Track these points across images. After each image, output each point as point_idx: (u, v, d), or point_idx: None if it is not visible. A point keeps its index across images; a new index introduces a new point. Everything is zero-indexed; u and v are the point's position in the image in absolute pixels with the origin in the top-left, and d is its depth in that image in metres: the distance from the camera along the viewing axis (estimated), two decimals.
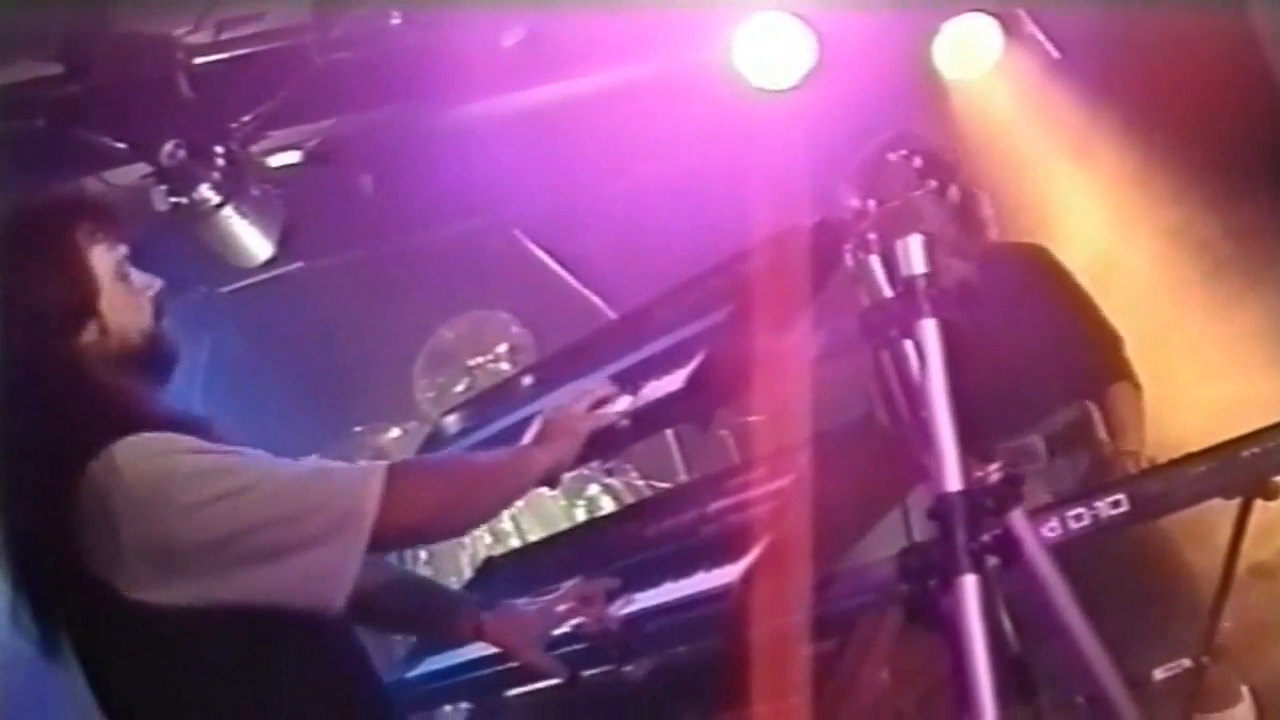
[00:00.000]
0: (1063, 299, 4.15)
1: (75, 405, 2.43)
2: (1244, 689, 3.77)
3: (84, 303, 2.50)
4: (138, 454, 2.36)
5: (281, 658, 2.45)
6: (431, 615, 3.06)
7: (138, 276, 2.60)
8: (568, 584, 2.98)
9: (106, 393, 2.46)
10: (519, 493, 2.76)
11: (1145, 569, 3.68)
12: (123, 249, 2.58)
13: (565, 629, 2.93)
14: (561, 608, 2.93)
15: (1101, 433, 4.12)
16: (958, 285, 4.02)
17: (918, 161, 4.04)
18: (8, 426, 2.46)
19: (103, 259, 2.54)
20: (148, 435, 2.39)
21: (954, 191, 4.08)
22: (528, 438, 2.77)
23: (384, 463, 2.53)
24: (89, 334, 2.50)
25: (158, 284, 2.62)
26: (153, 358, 2.58)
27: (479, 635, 2.99)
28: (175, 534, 2.34)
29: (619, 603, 2.90)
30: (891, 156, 4.07)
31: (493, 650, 3.01)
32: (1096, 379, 4.12)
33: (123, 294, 2.55)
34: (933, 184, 4.04)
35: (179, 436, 2.42)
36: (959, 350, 3.83)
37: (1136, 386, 4.13)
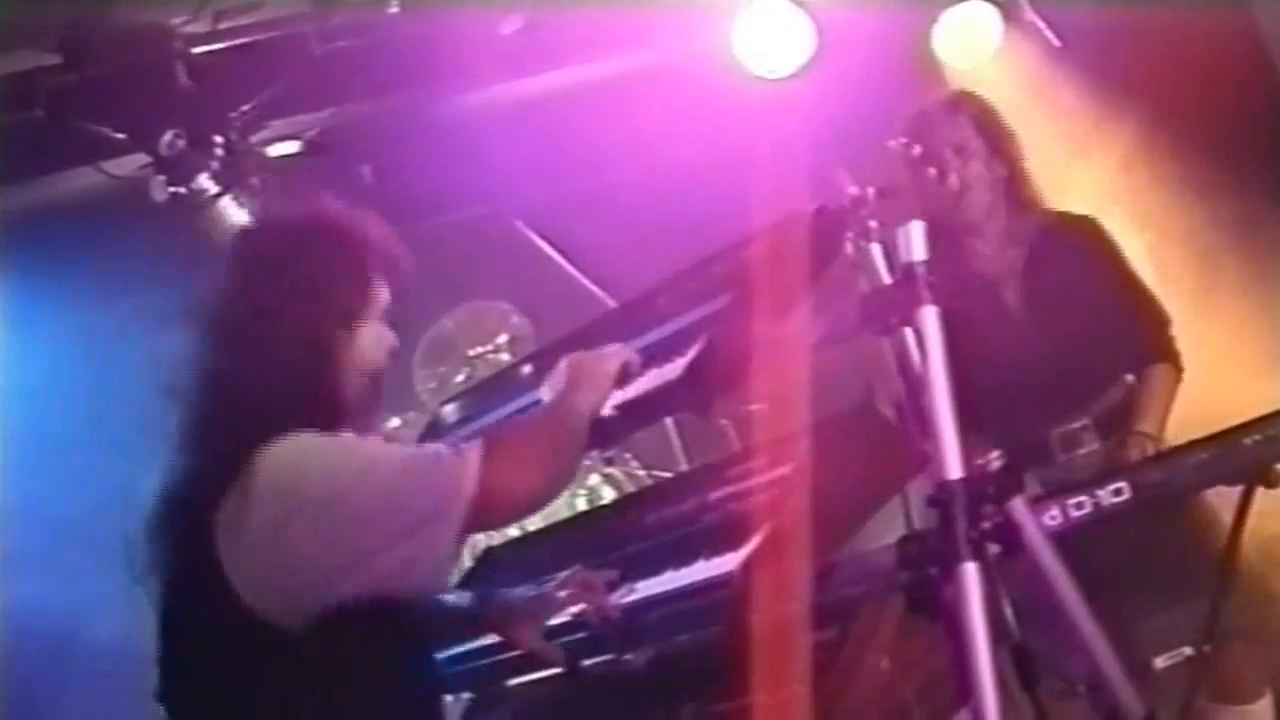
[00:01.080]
0: (1114, 275, 4.06)
1: (292, 380, 2.53)
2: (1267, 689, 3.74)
3: (356, 310, 2.64)
4: (293, 452, 2.45)
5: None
6: (433, 618, 3.06)
7: (387, 328, 2.73)
8: (567, 572, 2.98)
9: (320, 386, 2.56)
10: (582, 446, 2.75)
11: (1154, 553, 3.66)
12: (388, 295, 2.72)
13: (566, 617, 2.92)
14: (562, 594, 2.93)
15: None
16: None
17: (967, 127, 4.04)
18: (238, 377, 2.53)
19: (380, 291, 2.70)
20: (303, 435, 2.47)
21: (999, 165, 4.06)
22: (555, 385, 2.79)
23: (477, 444, 2.55)
24: (341, 337, 2.60)
25: (395, 343, 2.74)
26: (368, 395, 2.67)
27: (480, 628, 2.99)
28: (295, 532, 2.40)
29: (620, 591, 2.90)
30: (943, 116, 4.06)
31: (493, 640, 3.00)
32: (1141, 356, 4.01)
33: (376, 327, 2.68)
34: (981, 146, 4.03)
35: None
36: (1002, 334, 3.83)
37: (1178, 370, 4.01)
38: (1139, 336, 4.03)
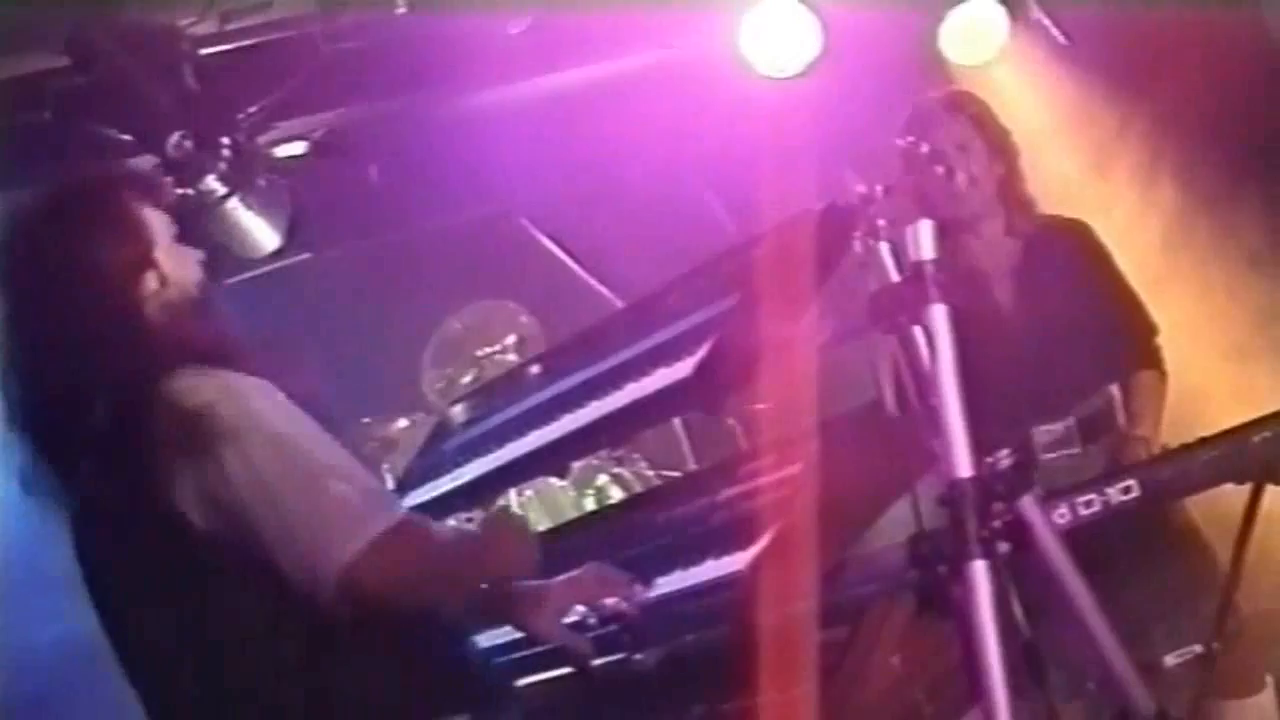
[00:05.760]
0: (1103, 280, 4.10)
1: (136, 343, 2.54)
2: (1268, 677, 3.75)
3: (142, 254, 2.62)
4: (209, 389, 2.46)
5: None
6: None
7: (182, 245, 2.72)
8: (582, 568, 2.94)
9: (166, 332, 2.57)
10: (459, 588, 2.74)
11: (1163, 552, 3.66)
12: (168, 217, 2.71)
13: (576, 616, 2.91)
14: (590, 580, 2.88)
15: (1121, 418, 4.09)
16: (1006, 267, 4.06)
17: (968, 126, 4.05)
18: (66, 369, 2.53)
19: (155, 218, 2.68)
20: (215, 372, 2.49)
21: (998, 164, 4.07)
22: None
23: (389, 521, 2.50)
24: (149, 284, 2.61)
25: (200, 253, 2.74)
26: (211, 306, 2.71)
27: (493, 617, 2.95)
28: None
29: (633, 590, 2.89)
30: (944, 115, 4.07)
31: (503, 639, 2.99)
32: (1128, 364, 4.05)
33: (177, 250, 2.68)
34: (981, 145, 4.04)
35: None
36: (992, 332, 3.84)
37: (1163, 375, 4.07)
38: (1127, 343, 4.06)
